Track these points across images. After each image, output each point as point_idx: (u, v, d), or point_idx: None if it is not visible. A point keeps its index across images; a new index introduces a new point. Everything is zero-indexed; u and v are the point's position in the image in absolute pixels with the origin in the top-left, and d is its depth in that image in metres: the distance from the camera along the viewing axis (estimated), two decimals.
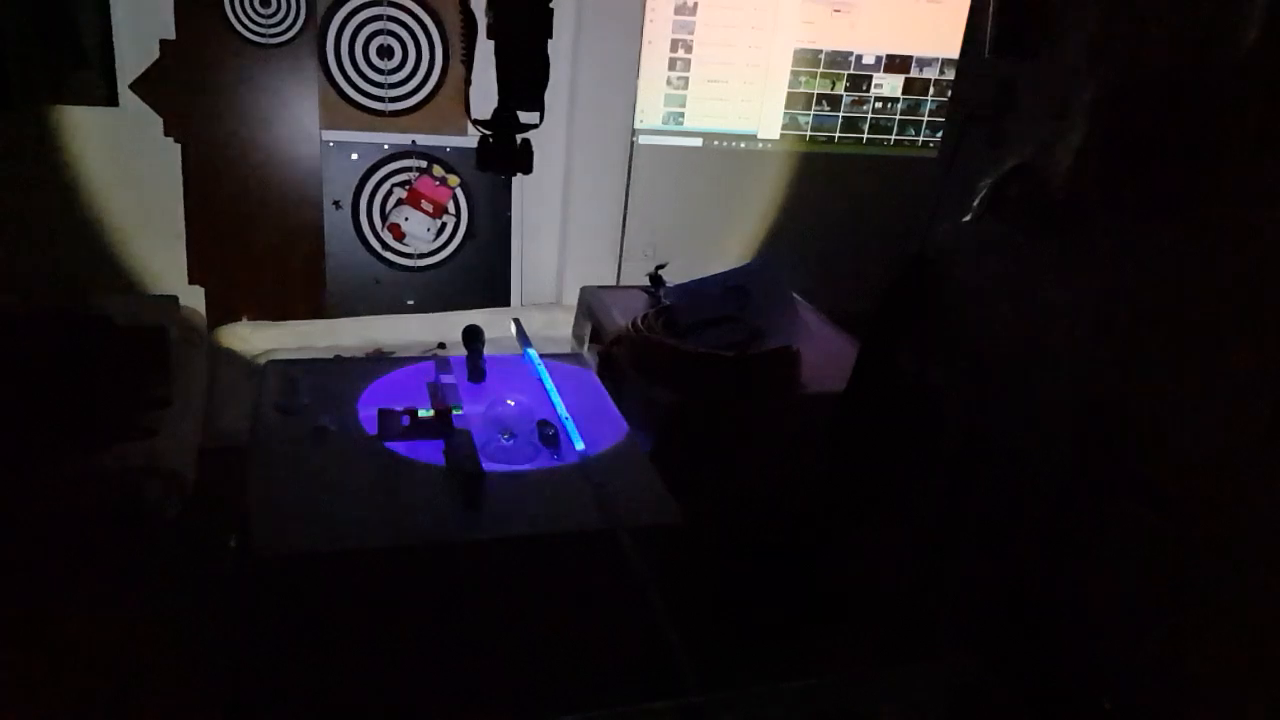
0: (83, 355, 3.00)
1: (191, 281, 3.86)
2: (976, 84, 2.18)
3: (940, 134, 2.89)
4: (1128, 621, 1.77)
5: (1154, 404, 1.70)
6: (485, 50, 2.16)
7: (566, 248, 4.30)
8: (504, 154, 2.22)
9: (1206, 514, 1.62)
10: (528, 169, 2.29)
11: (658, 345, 2.68)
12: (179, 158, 3.71)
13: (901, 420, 2.30)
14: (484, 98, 2.24)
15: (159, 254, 3.80)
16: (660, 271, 3.25)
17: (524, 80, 2.12)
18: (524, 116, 2.21)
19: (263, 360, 3.11)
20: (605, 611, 1.97)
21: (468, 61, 2.20)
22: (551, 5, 2.12)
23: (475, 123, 2.23)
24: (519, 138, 2.24)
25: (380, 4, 3.78)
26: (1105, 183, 1.81)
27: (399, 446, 2.14)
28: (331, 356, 3.51)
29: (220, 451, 3.04)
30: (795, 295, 3.07)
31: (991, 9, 2.05)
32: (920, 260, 2.29)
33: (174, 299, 3.60)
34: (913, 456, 2.28)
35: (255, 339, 3.79)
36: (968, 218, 2.12)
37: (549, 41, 2.14)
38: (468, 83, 2.24)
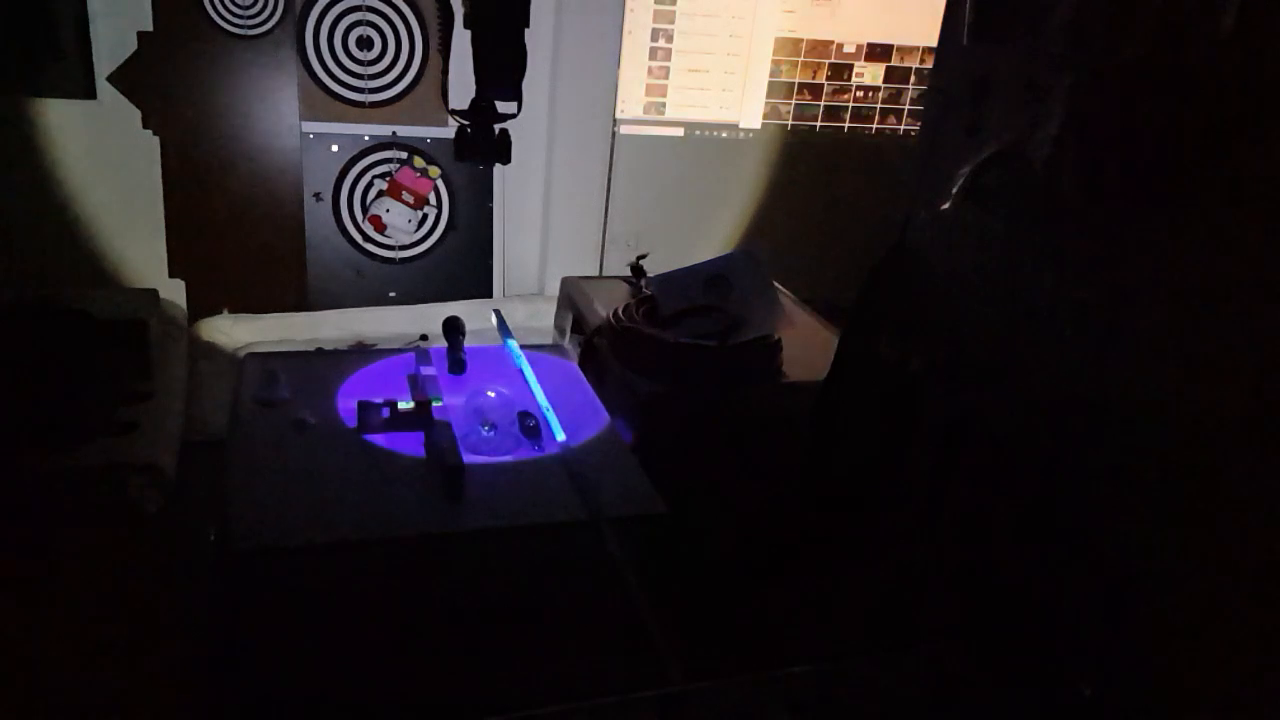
0: (62, 349, 2.99)
1: (171, 275, 3.83)
2: (955, 71, 2.17)
3: (920, 122, 2.89)
4: (1108, 608, 1.77)
5: (1134, 391, 1.71)
6: (464, 40, 2.15)
7: (548, 239, 4.29)
8: (482, 144, 2.21)
9: (1187, 501, 1.62)
10: (506, 159, 2.28)
11: (639, 335, 2.68)
12: (158, 150, 3.68)
13: (882, 408, 2.30)
14: (463, 88, 2.23)
15: (138, 247, 3.78)
16: (642, 262, 3.25)
17: (501, 69, 2.11)
18: (502, 106, 2.20)
19: (243, 353, 3.09)
20: (587, 602, 1.97)
21: (444, 51, 2.19)
22: None
23: (452, 113, 2.22)
24: (497, 128, 2.23)
25: None
26: (1083, 170, 1.81)
27: (379, 439, 2.14)
28: (313, 349, 3.50)
29: (202, 445, 3.03)
30: (776, 284, 3.07)
31: None
32: (900, 248, 2.29)
33: (154, 292, 3.57)
34: (894, 444, 2.28)
35: (236, 332, 3.78)
36: (946, 205, 2.12)
37: (527, 30, 2.13)
38: (445, 72, 2.23)
